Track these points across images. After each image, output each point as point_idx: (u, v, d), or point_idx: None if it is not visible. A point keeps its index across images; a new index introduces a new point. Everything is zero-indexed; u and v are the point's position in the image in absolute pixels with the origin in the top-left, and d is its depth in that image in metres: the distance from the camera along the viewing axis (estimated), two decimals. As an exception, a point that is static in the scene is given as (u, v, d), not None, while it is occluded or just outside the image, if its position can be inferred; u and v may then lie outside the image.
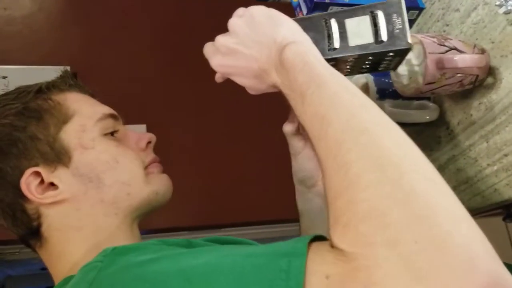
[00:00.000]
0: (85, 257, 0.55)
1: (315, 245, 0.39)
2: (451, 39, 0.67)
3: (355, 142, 0.40)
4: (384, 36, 0.56)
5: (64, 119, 0.62)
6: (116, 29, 1.89)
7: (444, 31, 0.77)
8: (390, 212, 0.34)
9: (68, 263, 0.58)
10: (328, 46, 0.56)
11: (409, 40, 0.56)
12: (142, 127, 1.80)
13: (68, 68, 1.77)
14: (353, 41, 0.56)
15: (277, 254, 0.38)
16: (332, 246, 0.37)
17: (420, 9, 0.82)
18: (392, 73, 0.71)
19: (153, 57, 1.89)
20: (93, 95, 0.71)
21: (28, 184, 0.59)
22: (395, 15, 0.56)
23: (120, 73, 1.85)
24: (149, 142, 0.70)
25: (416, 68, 0.66)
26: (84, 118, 0.63)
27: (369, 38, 0.56)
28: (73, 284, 0.46)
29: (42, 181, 0.60)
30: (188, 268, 0.40)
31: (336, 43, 0.56)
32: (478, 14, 0.70)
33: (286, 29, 0.53)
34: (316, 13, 0.57)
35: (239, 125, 1.85)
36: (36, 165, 0.60)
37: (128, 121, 1.98)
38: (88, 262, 0.46)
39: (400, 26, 0.56)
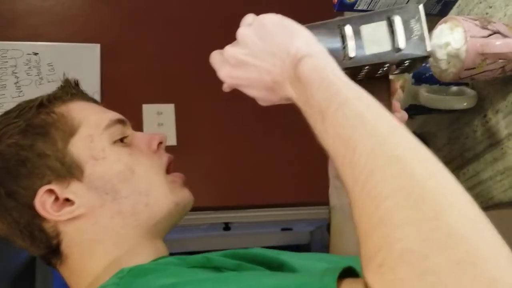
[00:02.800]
0: (106, 272, 0.54)
1: (348, 282, 0.37)
2: (494, 22, 0.64)
3: (384, 172, 0.37)
4: (402, 43, 0.53)
5: (71, 131, 0.60)
6: (146, 7, 1.88)
7: (486, 13, 0.73)
8: (428, 256, 0.32)
9: (88, 278, 0.58)
10: (344, 55, 0.54)
11: (428, 48, 0.53)
12: (171, 107, 1.80)
13: (98, 46, 1.79)
14: (369, 49, 0.54)
15: None
16: (366, 286, 0.34)
17: (462, -10, 0.79)
18: (431, 59, 0.68)
19: (182, 35, 1.88)
20: (96, 102, 0.68)
21: (43, 203, 0.57)
22: (413, 20, 0.54)
23: (149, 51, 1.84)
24: (160, 143, 0.66)
25: (456, 53, 0.63)
26: (90, 128, 0.61)
27: (386, 46, 0.54)
28: None
29: (57, 198, 0.58)
30: None
31: (352, 52, 0.54)
32: (524, -4, 0.67)
33: (300, 40, 0.50)
34: (331, 20, 0.55)
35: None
36: (49, 182, 0.58)
37: (157, 99, 1.99)
38: (104, 284, 0.45)
39: (419, 33, 0.53)
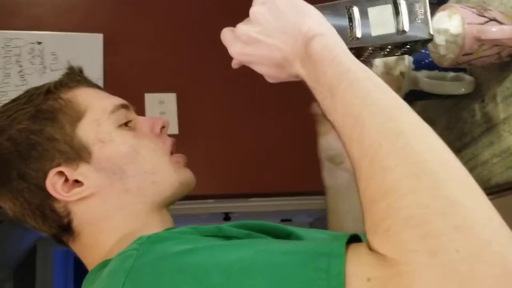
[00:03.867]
0: (119, 245, 0.56)
1: (353, 246, 0.39)
2: (491, 10, 0.67)
3: (392, 146, 0.40)
4: (406, 26, 0.55)
5: (78, 116, 0.63)
6: (148, -3, 1.90)
7: (484, 1, 0.76)
8: (430, 221, 0.35)
9: (102, 251, 0.60)
10: (350, 35, 0.56)
11: (431, 31, 0.56)
12: (172, 96, 1.83)
13: (101, 36, 1.81)
14: (375, 30, 0.56)
15: (315, 253, 0.39)
16: (371, 248, 0.37)
17: (460, -21, 0.81)
18: (430, 45, 0.71)
19: (184, 25, 1.90)
20: (100, 88, 0.71)
21: (54, 184, 0.60)
22: (417, 4, 0.56)
23: (151, 41, 1.86)
24: (163, 127, 0.70)
25: (454, 39, 0.65)
26: (97, 113, 0.64)
27: (391, 28, 0.56)
28: (110, 272, 0.46)
29: (66, 180, 0.61)
30: (227, 262, 0.40)
31: (358, 33, 0.56)
32: (521, -15, 0.69)
33: (312, 19, 0.52)
34: (338, 1, 0.57)
35: (269, 93, 1.85)
36: (58, 165, 0.61)
37: (159, 89, 2.01)
38: (124, 249, 0.47)
39: (422, 16, 0.56)
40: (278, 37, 0.52)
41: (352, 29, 0.56)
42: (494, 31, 0.63)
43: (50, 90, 0.65)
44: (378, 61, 0.79)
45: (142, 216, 0.63)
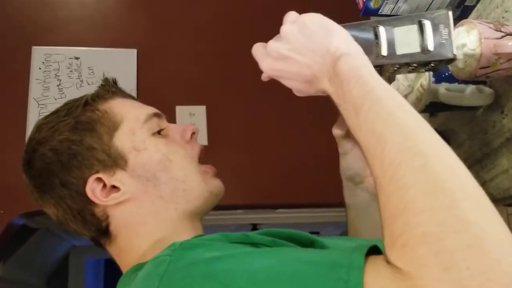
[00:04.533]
0: (152, 249, 0.61)
1: (372, 258, 0.42)
2: (508, 25, 0.69)
3: (410, 165, 0.43)
4: (430, 46, 0.58)
5: (114, 126, 0.67)
6: (179, 14, 1.98)
7: (503, 17, 0.78)
8: (444, 238, 0.37)
9: (136, 254, 0.64)
10: (376, 53, 0.59)
11: (455, 52, 0.58)
12: (202, 108, 1.89)
13: (135, 51, 1.89)
14: (400, 49, 0.59)
15: (336, 264, 0.41)
16: (388, 262, 0.40)
17: (480, -4, 0.84)
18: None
19: (213, 41, 1.97)
20: (134, 98, 0.75)
21: (93, 190, 0.64)
22: (442, 25, 0.59)
23: (182, 56, 1.94)
24: (193, 133, 0.73)
25: (471, 52, 0.68)
26: (131, 122, 0.68)
27: (416, 47, 0.59)
28: (144, 276, 0.49)
29: (104, 186, 0.65)
30: (253, 270, 0.43)
31: (384, 51, 0.58)
32: (538, 0, 0.72)
33: (339, 39, 0.55)
34: (365, 21, 0.60)
35: (297, 105, 1.89)
36: (97, 172, 0.65)
37: (189, 102, 2.07)
38: (157, 255, 0.49)
39: (447, 37, 0.59)
40: (307, 55, 0.56)
41: (378, 47, 0.59)
42: (510, 45, 0.66)
43: (87, 102, 0.69)
44: (400, 75, 0.82)
45: (174, 223, 0.66)
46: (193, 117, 1.87)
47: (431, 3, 0.84)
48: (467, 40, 0.69)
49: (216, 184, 0.71)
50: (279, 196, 1.89)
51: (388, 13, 0.85)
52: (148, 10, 1.97)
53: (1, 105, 1.77)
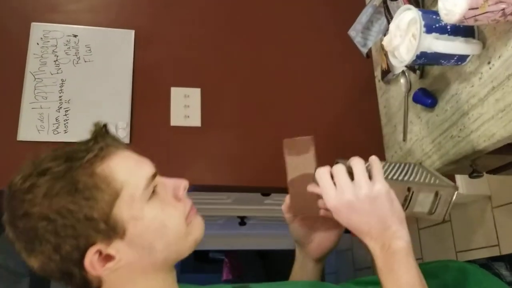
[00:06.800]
0: None
1: None
2: (496, -29, 0.73)
3: None
4: (436, 211, 0.75)
5: (115, 195, 0.65)
6: (178, -1, 2.02)
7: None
8: None
9: None
10: (405, 207, 0.74)
11: (443, 218, 0.76)
12: (197, 91, 1.91)
13: (133, 32, 1.92)
14: (416, 208, 0.75)
15: None
16: None
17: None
18: (439, 3, 0.77)
19: (209, 25, 2.00)
20: (126, 145, 0.72)
21: (91, 262, 0.64)
22: (449, 198, 0.75)
23: (179, 39, 1.96)
24: (184, 190, 0.74)
25: (462, -6, 0.72)
26: (131, 188, 0.66)
27: (425, 209, 0.76)
28: None
29: (100, 254, 0.64)
30: None
31: (409, 209, 0.75)
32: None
33: (398, 220, 0.69)
34: (403, 181, 0.77)
35: (292, 89, 1.93)
36: (94, 243, 0.64)
37: (184, 84, 2.09)
38: None
39: (447, 208, 0.76)
40: (373, 220, 0.69)
41: (407, 205, 0.75)
42: (497, -15, 0.70)
43: (83, 165, 0.65)
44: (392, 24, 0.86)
45: (160, 278, 0.71)
46: (187, 99, 1.89)
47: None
48: (457, -17, 0.73)
49: (199, 228, 0.73)
50: (270, 179, 1.90)
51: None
52: (148, -7, 2.01)
53: (-3, 77, 1.78)
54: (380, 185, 0.69)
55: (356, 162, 0.71)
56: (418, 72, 1.03)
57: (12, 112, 1.73)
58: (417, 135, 1.07)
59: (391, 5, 1.06)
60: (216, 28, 2.00)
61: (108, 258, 0.65)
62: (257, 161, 1.88)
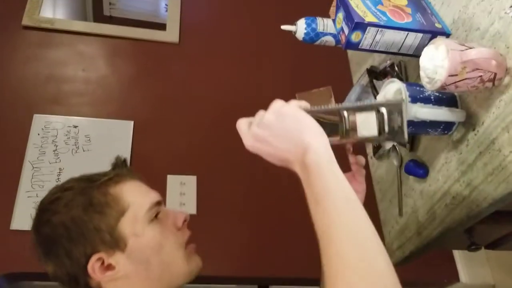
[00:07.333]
0: None
1: None
2: (471, 42, 0.79)
3: (345, 250, 0.57)
4: (386, 130, 0.68)
5: (122, 211, 0.76)
6: (173, 91, 2.12)
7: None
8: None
9: None
10: (341, 133, 0.69)
11: (406, 137, 0.68)
12: (193, 178, 1.93)
13: (132, 123, 1.98)
14: (361, 132, 0.69)
15: None
16: None
17: (447, 35, 0.95)
18: (421, 72, 0.82)
19: (204, 115, 2.08)
20: (141, 178, 0.84)
21: (94, 267, 0.74)
22: (397, 113, 0.68)
23: (175, 128, 2.03)
24: (184, 220, 0.83)
25: (441, 63, 0.77)
26: (136, 208, 0.77)
27: (373, 131, 0.69)
28: None
29: (102, 263, 0.75)
30: None
31: (346, 133, 0.69)
32: (495, 28, 0.82)
33: (311, 135, 0.65)
34: (333, 106, 0.69)
35: (285, 177, 1.94)
36: (98, 251, 0.74)
37: (180, 171, 2.10)
38: None
39: (400, 124, 0.68)
40: (283, 143, 0.66)
41: (343, 128, 0.69)
42: (473, 52, 0.75)
43: (100, 186, 0.78)
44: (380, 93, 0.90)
45: None
46: (183, 186, 1.91)
47: (404, 39, 0.95)
48: (436, 53, 0.78)
49: (196, 264, 0.82)
50: (268, 269, 1.86)
51: (367, 47, 0.95)
52: (145, 87, 2.10)
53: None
54: (286, 108, 0.67)
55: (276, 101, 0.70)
56: (408, 145, 1.06)
57: (7, 201, 1.74)
58: (412, 207, 1.07)
59: (377, 83, 1.11)
60: (210, 118, 2.07)
61: (108, 267, 0.74)
62: (254, 250, 1.85)
